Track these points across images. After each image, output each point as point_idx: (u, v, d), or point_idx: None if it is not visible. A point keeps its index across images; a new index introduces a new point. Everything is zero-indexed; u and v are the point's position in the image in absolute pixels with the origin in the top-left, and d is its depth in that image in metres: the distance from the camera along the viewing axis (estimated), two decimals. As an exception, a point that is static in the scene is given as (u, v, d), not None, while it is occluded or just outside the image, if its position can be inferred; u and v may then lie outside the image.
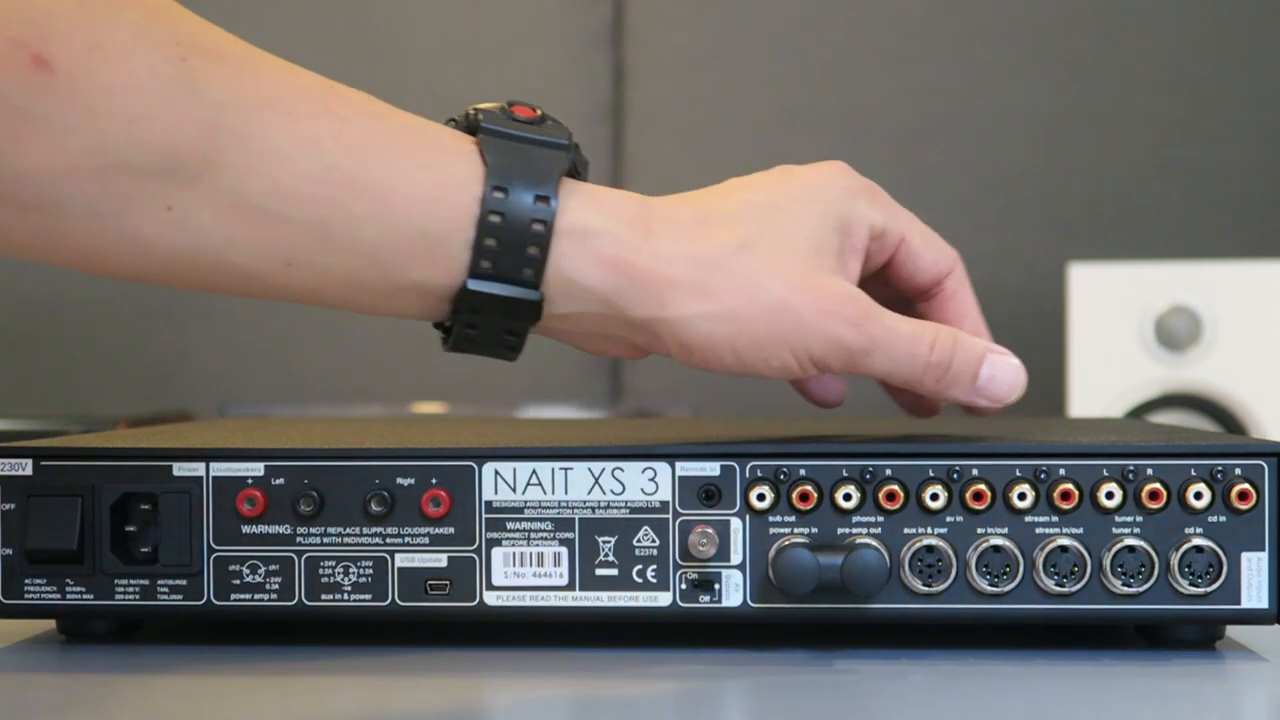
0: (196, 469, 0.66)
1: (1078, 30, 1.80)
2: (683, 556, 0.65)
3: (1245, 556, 0.64)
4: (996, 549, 0.65)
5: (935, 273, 0.69)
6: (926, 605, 0.65)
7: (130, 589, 0.66)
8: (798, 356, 0.64)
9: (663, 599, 0.65)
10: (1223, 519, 0.64)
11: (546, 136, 0.63)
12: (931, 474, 0.65)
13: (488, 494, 0.66)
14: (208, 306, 1.79)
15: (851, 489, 0.65)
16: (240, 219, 0.59)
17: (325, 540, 0.66)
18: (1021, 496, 0.65)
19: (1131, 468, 0.65)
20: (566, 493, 0.66)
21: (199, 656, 0.66)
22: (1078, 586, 0.65)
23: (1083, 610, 0.65)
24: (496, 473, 0.66)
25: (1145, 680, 0.63)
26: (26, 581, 0.66)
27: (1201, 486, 0.64)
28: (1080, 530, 0.65)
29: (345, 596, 0.66)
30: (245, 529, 0.66)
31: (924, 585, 0.65)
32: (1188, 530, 0.64)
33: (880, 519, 0.65)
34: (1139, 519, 0.65)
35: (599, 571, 0.66)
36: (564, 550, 0.66)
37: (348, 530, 0.66)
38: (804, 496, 0.65)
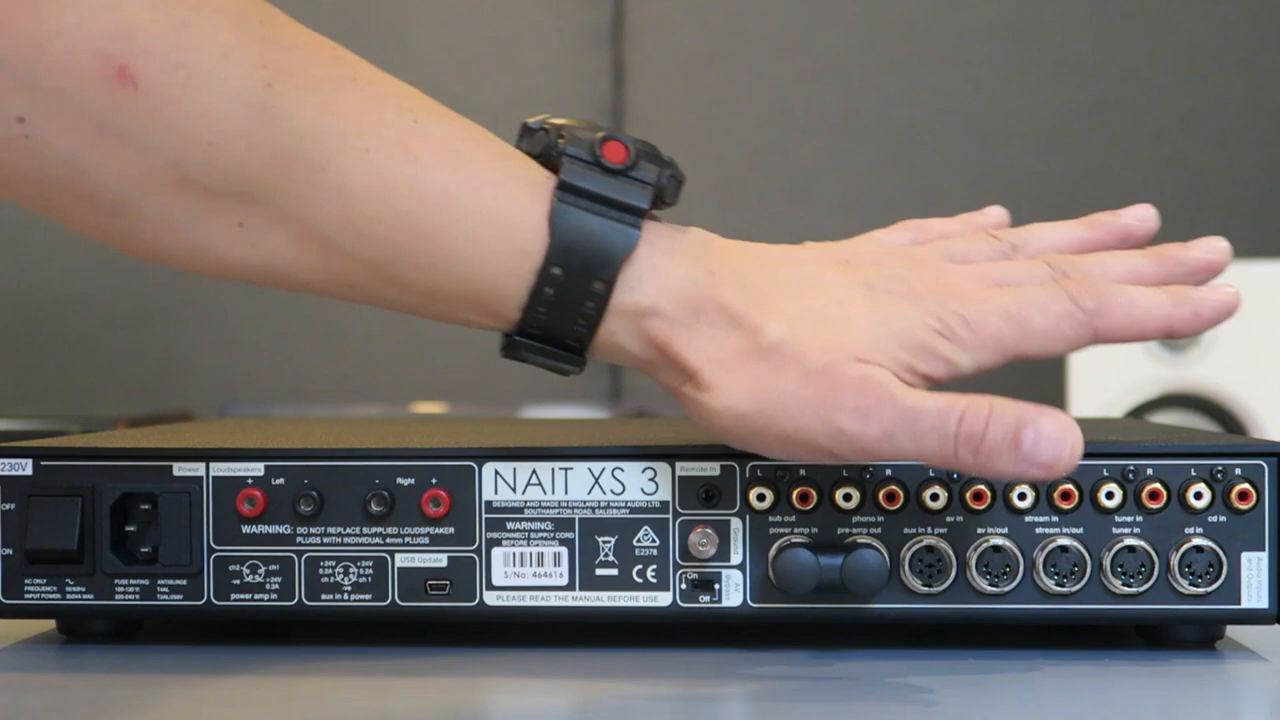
0: (196, 469, 0.66)
1: (1078, 30, 1.80)
2: (683, 556, 0.65)
3: (1245, 556, 0.64)
4: (996, 549, 0.65)
5: None
6: (926, 605, 0.65)
7: (130, 589, 0.66)
8: (810, 451, 0.61)
9: (663, 599, 0.65)
10: (1223, 519, 0.64)
11: (624, 196, 0.61)
12: (931, 474, 0.65)
13: (488, 494, 0.66)
14: (208, 306, 1.79)
15: (851, 489, 0.65)
16: (308, 244, 0.60)
17: (325, 540, 0.66)
18: (1021, 496, 0.65)
19: (1131, 468, 0.65)
20: (566, 493, 0.66)
21: (199, 656, 0.66)
22: (1078, 586, 0.65)
23: (1083, 610, 0.65)
24: (496, 473, 0.66)
25: (1145, 680, 0.63)
26: (26, 581, 0.66)
27: (1201, 486, 0.64)
28: (1080, 530, 0.65)
29: (345, 596, 0.66)
30: (245, 529, 0.66)
31: (924, 585, 0.65)
32: (1188, 530, 0.64)
33: (880, 519, 0.65)
34: (1139, 519, 0.65)
35: (599, 571, 0.66)
36: (564, 550, 0.66)
37: (348, 530, 0.66)
38: (804, 497, 0.65)
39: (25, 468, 0.66)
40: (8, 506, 0.66)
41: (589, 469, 0.65)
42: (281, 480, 0.66)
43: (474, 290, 0.61)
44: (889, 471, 0.65)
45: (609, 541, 0.65)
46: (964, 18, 1.80)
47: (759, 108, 1.80)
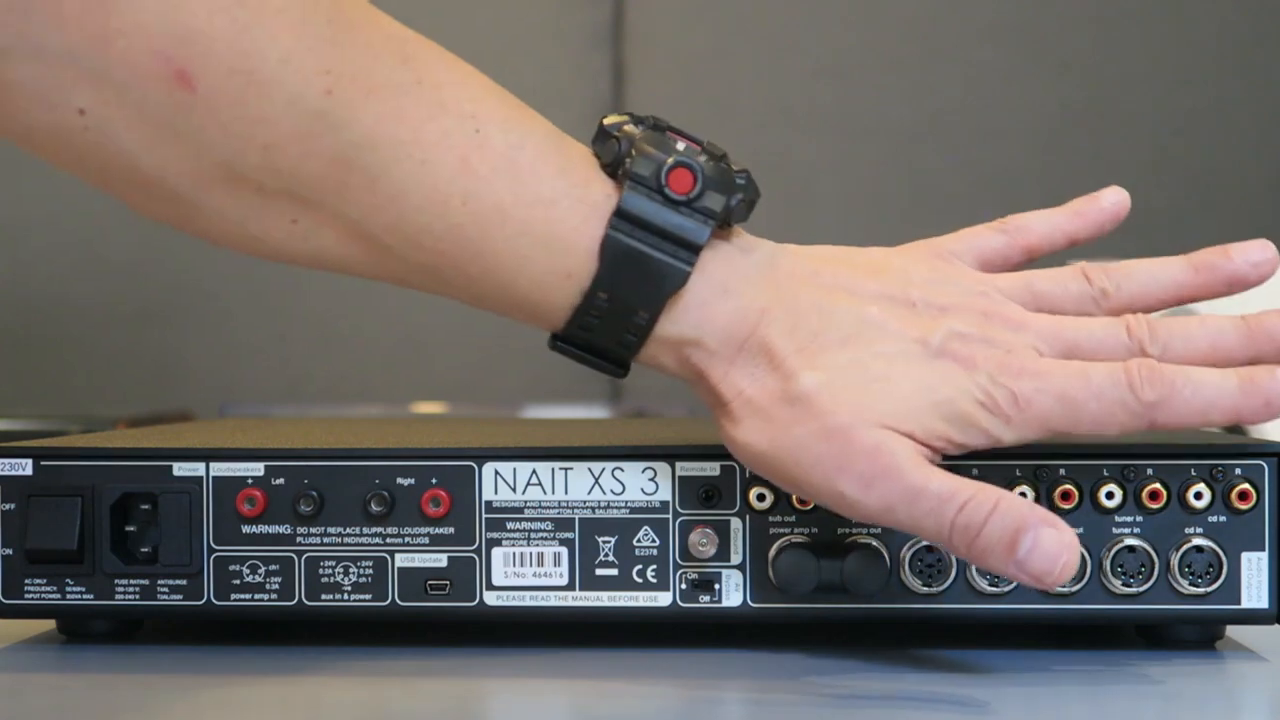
0: (196, 469, 0.66)
1: (1078, 30, 1.80)
2: (683, 556, 0.65)
3: (1245, 556, 0.64)
4: (996, 549, 0.65)
5: None
6: (926, 605, 0.65)
7: (130, 589, 0.66)
8: (814, 499, 0.62)
9: (663, 599, 0.65)
10: (1223, 519, 0.64)
11: (681, 230, 0.60)
12: (931, 474, 0.65)
13: (488, 494, 0.66)
14: (208, 307, 1.79)
15: (851, 489, 0.65)
16: (360, 245, 0.60)
17: (325, 540, 0.66)
18: (1021, 496, 0.64)
19: (1131, 468, 0.65)
20: (566, 493, 0.66)
21: (199, 656, 0.66)
22: (1078, 586, 0.65)
23: (1083, 610, 0.65)
24: (496, 473, 0.66)
25: (1145, 680, 0.63)
26: (26, 581, 0.66)
27: (1201, 486, 0.64)
28: (1080, 530, 0.65)
29: (345, 596, 0.66)
30: (245, 529, 0.66)
31: (924, 585, 0.65)
32: (1188, 530, 0.64)
33: (880, 519, 0.65)
34: (1139, 519, 0.65)
35: (599, 571, 0.66)
36: (564, 550, 0.66)
37: (348, 530, 0.66)
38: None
39: (25, 468, 0.66)
40: (8, 506, 0.66)
41: (589, 469, 0.65)
42: (281, 480, 0.66)
43: (520, 301, 0.61)
44: (889, 471, 0.65)
45: (609, 541, 0.65)
46: (964, 18, 1.80)
47: (759, 108, 1.80)
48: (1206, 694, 0.62)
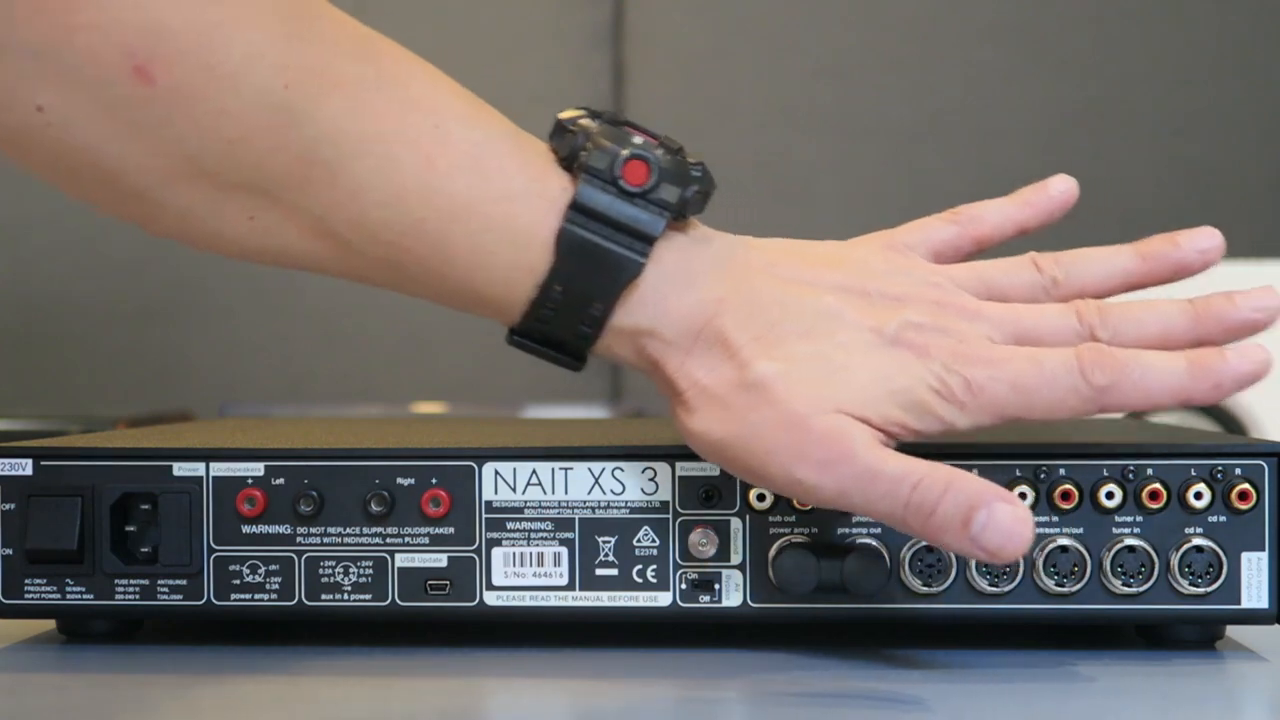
0: (196, 469, 0.66)
1: (1078, 30, 1.80)
2: (683, 556, 0.65)
3: (1245, 556, 0.64)
4: (996, 549, 0.65)
5: None
6: (926, 605, 0.65)
7: (130, 589, 0.66)
8: (773, 489, 0.63)
9: (663, 599, 0.65)
10: (1223, 519, 0.64)
11: (636, 221, 0.61)
12: (931, 474, 0.65)
13: (488, 494, 0.66)
14: (208, 307, 1.79)
15: (851, 489, 0.65)
16: (322, 241, 0.60)
17: (325, 540, 0.66)
18: (1022, 496, 0.65)
19: (1131, 468, 0.65)
20: (566, 493, 0.66)
21: (199, 656, 0.66)
22: (1078, 586, 0.65)
23: (1083, 610, 0.65)
24: (496, 473, 0.66)
25: (1145, 680, 0.63)
26: (26, 581, 0.66)
27: (1201, 486, 0.64)
28: (1080, 530, 0.65)
29: (345, 596, 0.66)
30: (245, 529, 0.66)
31: (924, 585, 0.65)
32: (1188, 530, 0.64)
33: (880, 519, 0.65)
34: (1139, 519, 0.65)
35: (599, 571, 0.66)
36: (564, 550, 0.66)
37: (348, 530, 0.66)
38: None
39: (25, 468, 0.66)
40: (8, 506, 0.66)
41: (589, 469, 0.65)
42: (281, 480, 0.66)
43: (481, 295, 0.61)
44: (889, 471, 0.65)
45: (609, 541, 0.65)
46: (964, 18, 1.80)
47: (759, 108, 1.80)
48: (1206, 694, 0.62)
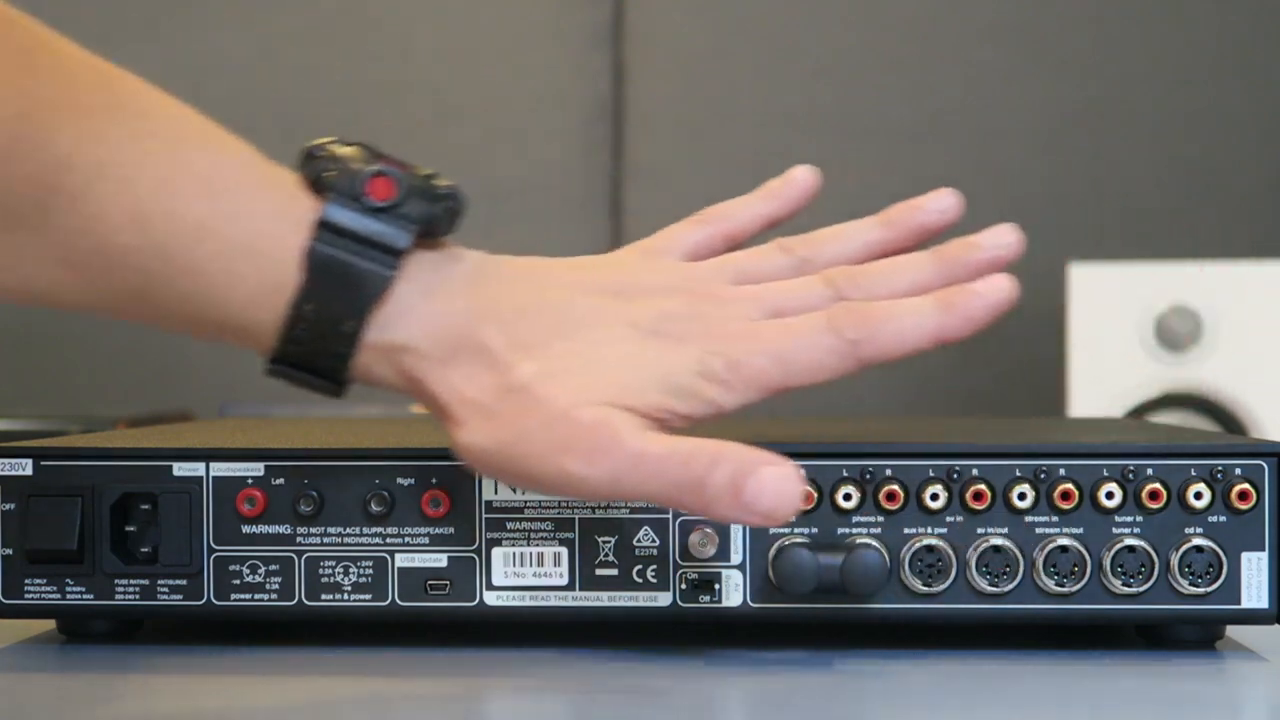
0: (196, 469, 0.66)
1: (1078, 30, 1.80)
2: (683, 556, 0.65)
3: (1245, 556, 0.64)
4: (996, 549, 0.65)
5: None
6: (926, 605, 0.65)
7: (130, 589, 0.66)
8: (548, 490, 0.62)
9: (663, 599, 0.65)
10: (1223, 519, 0.64)
11: (382, 236, 0.60)
12: (931, 474, 0.65)
13: (488, 494, 0.66)
14: (208, 306, 1.79)
15: (851, 489, 0.65)
16: (66, 270, 0.59)
17: (325, 540, 0.66)
18: (1021, 496, 0.65)
19: (1131, 468, 0.65)
20: (566, 493, 0.65)
21: (199, 656, 0.66)
22: (1078, 586, 0.65)
23: (1083, 610, 0.65)
24: (496, 473, 0.66)
25: (1145, 680, 0.63)
26: (26, 581, 0.66)
27: (1201, 486, 0.64)
28: (1080, 530, 0.65)
29: (345, 596, 0.66)
30: (245, 529, 0.66)
31: (924, 585, 0.65)
32: (1188, 530, 0.64)
33: (880, 519, 0.65)
34: (1139, 519, 0.65)
35: (599, 571, 0.66)
36: (564, 550, 0.66)
37: (348, 530, 0.66)
38: (803, 496, 0.65)
39: (25, 468, 0.66)
40: (8, 506, 0.66)
41: (589, 469, 0.65)
42: (281, 480, 0.66)
43: (232, 319, 0.61)
44: (889, 471, 0.65)
45: (609, 541, 0.65)
46: (964, 18, 1.80)
47: (759, 108, 1.80)
48: (1206, 694, 0.62)
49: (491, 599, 0.66)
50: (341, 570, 0.66)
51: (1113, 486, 0.65)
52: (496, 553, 0.66)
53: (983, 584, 0.65)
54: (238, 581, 0.66)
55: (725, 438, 0.67)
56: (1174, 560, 0.64)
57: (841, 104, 1.79)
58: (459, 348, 0.61)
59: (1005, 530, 0.65)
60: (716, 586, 0.65)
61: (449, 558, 0.66)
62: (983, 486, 0.65)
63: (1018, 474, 0.65)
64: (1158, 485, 0.64)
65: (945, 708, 0.59)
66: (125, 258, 0.59)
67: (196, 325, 0.62)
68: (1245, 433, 1.48)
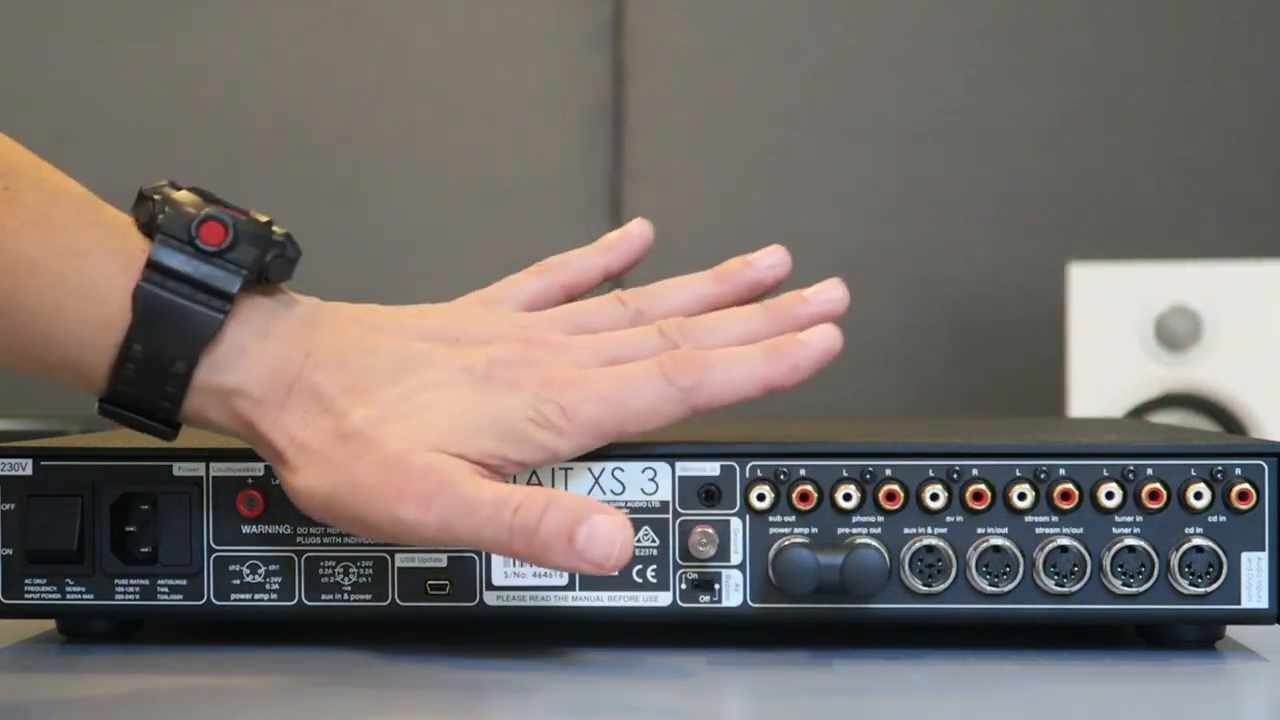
0: (196, 469, 0.66)
1: (1078, 30, 1.80)
2: (683, 556, 0.65)
3: (1245, 556, 0.64)
4: (996, 549, 0.65)
5: None
6: (926, 605, 0.65)
7: (130, 589, 0.66)
8: (382, 536, 0.62)
9: (663, 599, 0.65)
10: (1223, 519, 0.64)
11: (212, 279, 0.61)
12: (931, 474, 0.65)
13: (488, 494, 0.66)
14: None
15: (851, 489, 0.65)
16: None
17: (325, 540, 0.66)
18: (1021, 496, 0.65)
19: (1131, 468, 0.65)
20: (566, 493, 0.65)
21: (199, 656, 0.66)
22: (1078, 586, 0.65)
23: (1083, 610, 0.65)
24: (496, 473, 0.66)
25: (1145, 680, 0.63)
26: (26, 581, 0.66)
27: (1201, 486, 0.64)
28: (1080, 530, 0.65)
29: (345, 596, 0.66)
30: (245, 529, 0.66)
31: (924, 585, 0.65)
32: (1188, 530, 0.64)
33: (880, 519, 0.65)
34: (1139, 519, 0.65)
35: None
36: (564, 550, 0.65)
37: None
38: (804, 496, 0.65)
39: (25, 468, 0.66)
40: (8, 506, 0.66)
41: (589, 469, 0.65)
42: (281, 480, 0.66)
43: (61, 358, 0.61)
44: (889, 471, 0.65)
45: (609, 541, 0.65)
46: (964, 18, 1.80)
47: (759, 108, 1.80)
48: (1206, 694, 0.62)
49: (491, 599, 0.66)
50: (341, 570, 0.66)
51: (1113, 486, 0.65)
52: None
53: (983, 584, 0.65)
54: (238, 581, 0.66)
55: (725, 437, 0.67)
56: (1174, 560, 0.64)
57: (841, 104, 1.79)
58: (292, 391, 0.62)
59: (1005, 530, 0.65)
60: (716, 586, 0.65)
61: (449, 557, 0.66)
62: (983, 486, 0.65)
63: (1018, 474, 0.65)
64: (1158, 485, 0.64)
65: (945, 708, 0.59)
66: None
67: (27, 363, 0.62)
68: (1245, 433, 1.48)
